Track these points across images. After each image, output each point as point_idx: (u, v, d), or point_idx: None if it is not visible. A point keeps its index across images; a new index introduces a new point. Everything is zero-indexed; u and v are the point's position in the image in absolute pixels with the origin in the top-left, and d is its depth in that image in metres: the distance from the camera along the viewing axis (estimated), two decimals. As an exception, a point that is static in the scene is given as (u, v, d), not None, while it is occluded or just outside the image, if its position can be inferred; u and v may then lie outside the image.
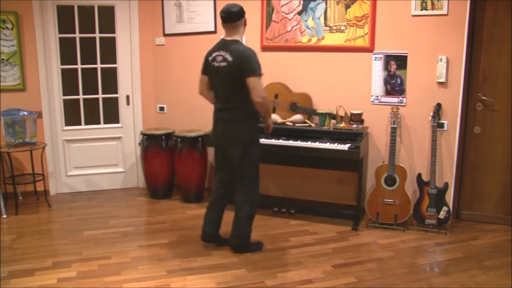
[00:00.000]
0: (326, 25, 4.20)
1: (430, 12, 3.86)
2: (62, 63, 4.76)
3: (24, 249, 3.54)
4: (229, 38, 3.28)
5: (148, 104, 5.08)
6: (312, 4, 4.20)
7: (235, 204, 3.39)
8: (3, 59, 4.48)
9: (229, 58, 3.18)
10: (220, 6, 4.50)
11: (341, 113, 4.17)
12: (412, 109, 4.05)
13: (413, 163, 4.13)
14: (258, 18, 4.42)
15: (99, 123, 4.98)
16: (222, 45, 3.27)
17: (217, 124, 3.36)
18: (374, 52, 4.08)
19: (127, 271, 3.17)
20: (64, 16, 4.70)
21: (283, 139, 3.97)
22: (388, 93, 4.11)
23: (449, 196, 4.01)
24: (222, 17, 3.24)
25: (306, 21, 4.26)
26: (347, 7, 4.09)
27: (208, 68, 3.33)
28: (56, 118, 4.80)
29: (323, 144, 3.84)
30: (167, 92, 5.03)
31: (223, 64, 3.20)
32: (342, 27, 4.14)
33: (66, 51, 4.76)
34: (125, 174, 5.13)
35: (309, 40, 4.28)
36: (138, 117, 5.06)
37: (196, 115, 4.86)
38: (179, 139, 4.54)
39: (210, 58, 3.30)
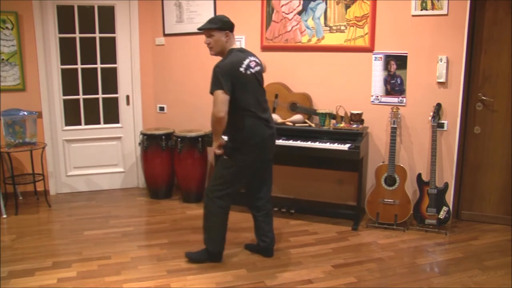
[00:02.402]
0: (326, 25, 4.20)
1: (430, 12, 3.86)
2: (62, 63, 4.76)
3: (24, 249, 3.54)
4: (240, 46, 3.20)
5: (148, 104, 5.08)
6: (312, 4, 4.20)
7: (266, 206, 3.33)
8: (3, 59, 4.48)
9: (259, 62, 3.17)
10: (220, 6, 4.54)
11: (341, 113, 4.17)
12: (412, 109, 4.05)
13: (413, 163, 4.13)
14: (258, 18, 4.42)
15: (99, 123, 4.97)
16: (247, 51, 3.17)
17: (269, 139, 3.16)
18: (374, 52, 4.08)
19: (127, 271, 3.17)
20: (64, 16, 4.70)
21: (283, 139, 3.97)
22: (388, 93, 4.11)
23: (449, 196, 4.01)
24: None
25: (306, 21, 4.26)
26: (347, 7, 4.09)
27: (239, 79, 2.98)
28: (56, 118, 4.80)
29: (323, 144, 3.84)
30: (167, 92, 5.03)
31: (259, 68, 3.13)
32: (342, 27, 4.14)
33: (66, 51, 4.76)
34: (125, 174, 5.13)
35: (309, 40, 4.28)
36: (138, 117, 5.06)
37: (196, 115, 4.86)
38: (179, 139, 4.54)
39: (242, 68, 2.99)
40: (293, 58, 4.37)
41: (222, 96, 2.90)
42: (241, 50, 3.13)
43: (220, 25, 3.02)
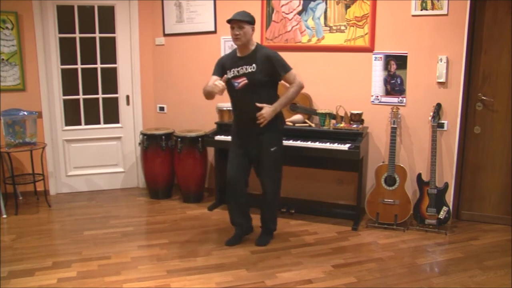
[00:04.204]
0: (326, 25, 4.20)
1: (430, 12, 3.86)
2: (62, 63, 4.76)
3: (24, 249, 3.54)
4: None
5: (148, 104, 5.08)
6: (312, 4, 4.20)
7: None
8: (3, 59, 4.48)
9: None
10: (220, 6, 4.54)
11: (341, 113, 4.16)
12: (412, 109, 4.05)
13: (413, 163, 4.13)
14: (258, 18, 4.41)
15: (99, 123, 4.98)
16: None
17: None
18: (374, 52, 4.08)
19: (127, 271, 3.17)
20: (64, 16, 4.70)
21: (283, 139, 3.97)
22: (388, 93, 4.11)
23: (449, 196, 4.01)
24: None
25: (306, 21, 4.26)
26: (347, 7, 4.09)
27: None
28: (56, 118, 4.80)
29: (323, 144, 3.84)
30: (167, 92, 5.03)
31: None
32: (342, 27, 4.14)
33: (66, 51, 4.76)
34: (125, 174, 5.13)
35: (309, 40, 4.28)
36: (138, 117, 5.06)
37: (196, 115, 4.86)
38: (179, 139, 4.54)
39: None
40: (293, 58, 4.33)
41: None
42: None
43: (250, 20, 3.32)
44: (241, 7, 4.41)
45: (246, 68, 3.34)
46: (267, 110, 3.31)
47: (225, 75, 3.38)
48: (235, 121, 3.58)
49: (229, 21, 3.32)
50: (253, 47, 3.37)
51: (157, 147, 4.64)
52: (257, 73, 3.31)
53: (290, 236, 3.79)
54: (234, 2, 4.41)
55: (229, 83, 3.41)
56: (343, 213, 4.19)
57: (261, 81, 3.32)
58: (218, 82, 3.27)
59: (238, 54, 3.42)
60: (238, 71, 3.36)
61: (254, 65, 3.32)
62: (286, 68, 3.37)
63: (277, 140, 3.50)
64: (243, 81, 3.34)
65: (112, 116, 5.01)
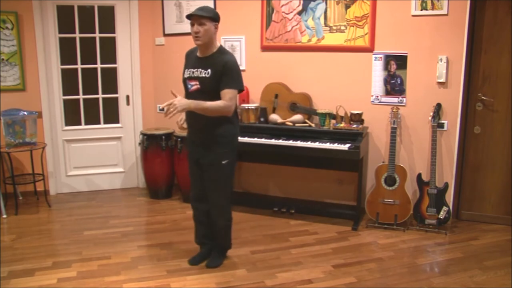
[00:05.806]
0: (326, 25, 4.20)
1: (430, 12, 3.86)
2: (62, 63, 4.76)
3: (24, 249, 3.54)
4: None
5: (148, 104, 5.08)
6: (312, 4, 4.20)
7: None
8: (3, 59, 4.48)
9: None
10: (220, 6, 4.53)
11: (341, 113, 4.16)
12: (412, 109, 4.05)
13: (413, 163, 4.13)
14: (258, 18, 4.42)
15: (99, 123, 4.97)
16: None
17: None
18: (374, 52, 4.08)
19: (127, 271, 3.17)
20: (64, 16, 4.70)
21: (283, 139, 3.97)
22: (388, 93, 4.11)
23: (449, 196, 4.01)
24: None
25: (306, 21, 4.26)
26: (347, 7, 4.09)
27: None
28: (56, 118, 4.80)
29: (323, 144, 3.84)
30: (167, 92, 4.99)
31: None
32: (342, 27, 4.14)
33: (66, 51, 4.76)
34: (125, 174, 5.13)
35: (309, 40, 4.28)
36: (138, 117, 5.06)
37: (196, 115, 4.85)
38: (179, 139, 4.54)
39: None
40: (293, 58, 4.37)
41: (236, 97, 3.02)
42: None
43: (212, 15, 2.94)
44: (240, 7, 4.45)
45: (200, 72, 2.99)
46: (180, 100, 2.85)
47: (184, 126, 3.15)
48: (188, 126, 3.20)
49: (188, 17, 2.94)
50: (215, 49, 3.01)
51: (157, 147, 4.64)
52: (210, 80, 2.95)
53: (290, 236, 3.79)
54: (234, 2, 4.41)
55: (185, 83, 3.12)
56: (343, 213, 4.19)
57: (212, 89, 2.94)
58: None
59: (198, 54, 3.08)
60: (193, 73, 3.03)
61: (209, 70, 2.95)
62: (231, 85, 2.93)
63: (230, 155, 3.10)
64: (195, 85, 3.02)
65: (112, 116, 5.01)
